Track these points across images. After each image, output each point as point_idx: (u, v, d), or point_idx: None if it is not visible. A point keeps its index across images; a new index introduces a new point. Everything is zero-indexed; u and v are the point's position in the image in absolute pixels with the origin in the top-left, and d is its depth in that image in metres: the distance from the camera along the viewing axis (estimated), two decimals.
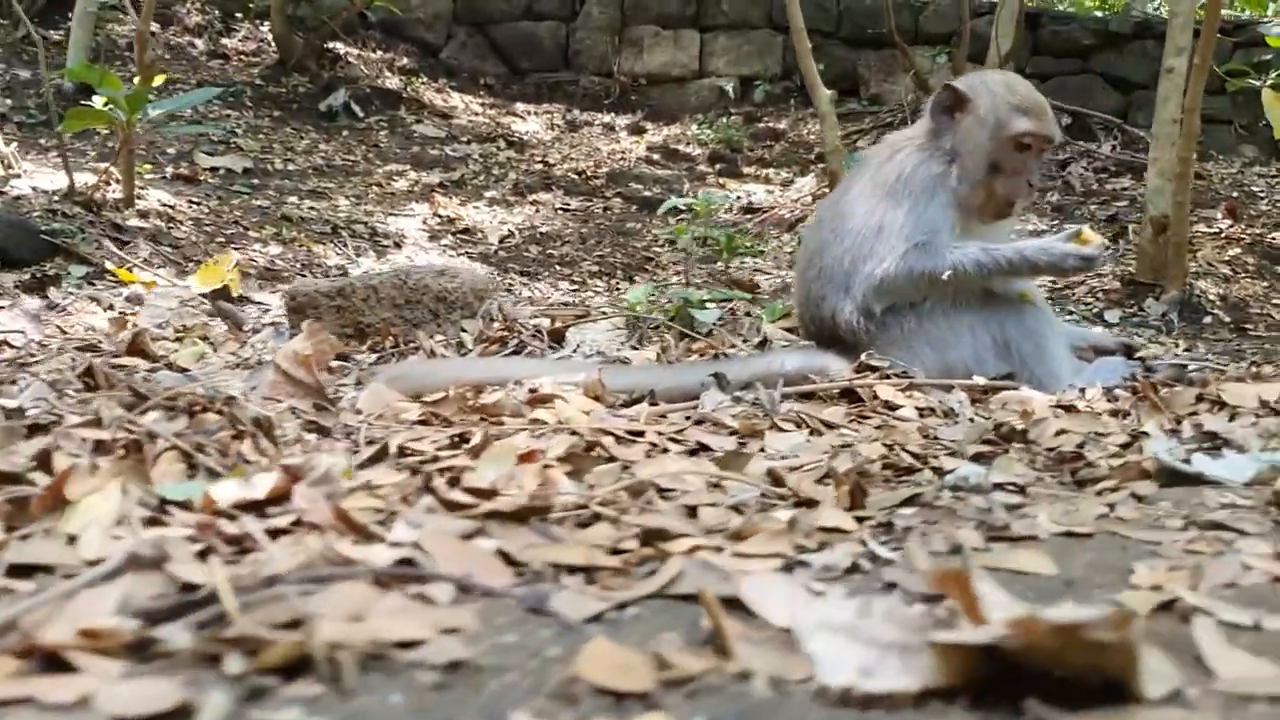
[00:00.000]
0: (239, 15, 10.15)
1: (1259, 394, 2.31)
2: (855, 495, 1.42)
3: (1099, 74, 10.21)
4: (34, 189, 5.38)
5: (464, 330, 3.00)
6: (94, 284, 4.70)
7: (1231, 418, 2.24)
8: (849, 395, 2.42)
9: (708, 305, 3.26)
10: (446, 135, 9.26)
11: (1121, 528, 1.36)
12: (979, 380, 2.62)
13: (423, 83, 10.23)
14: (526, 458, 1.48)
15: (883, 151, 3.17)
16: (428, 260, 6.44)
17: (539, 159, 9.11)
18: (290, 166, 7.95)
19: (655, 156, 9.55)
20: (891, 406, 2.28)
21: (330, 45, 9.86)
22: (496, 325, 2.98)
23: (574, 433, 1.72)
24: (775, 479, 1.51)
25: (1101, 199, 8.47)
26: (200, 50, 9.70)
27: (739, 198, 8.57)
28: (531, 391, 2.10)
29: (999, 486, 1.62)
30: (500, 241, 7.13)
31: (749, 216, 8.25)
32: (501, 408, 1.95)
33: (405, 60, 10.42)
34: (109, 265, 4.66)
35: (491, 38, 10.78)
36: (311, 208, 6.96)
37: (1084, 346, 3.17)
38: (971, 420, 2.19)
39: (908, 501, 1.46)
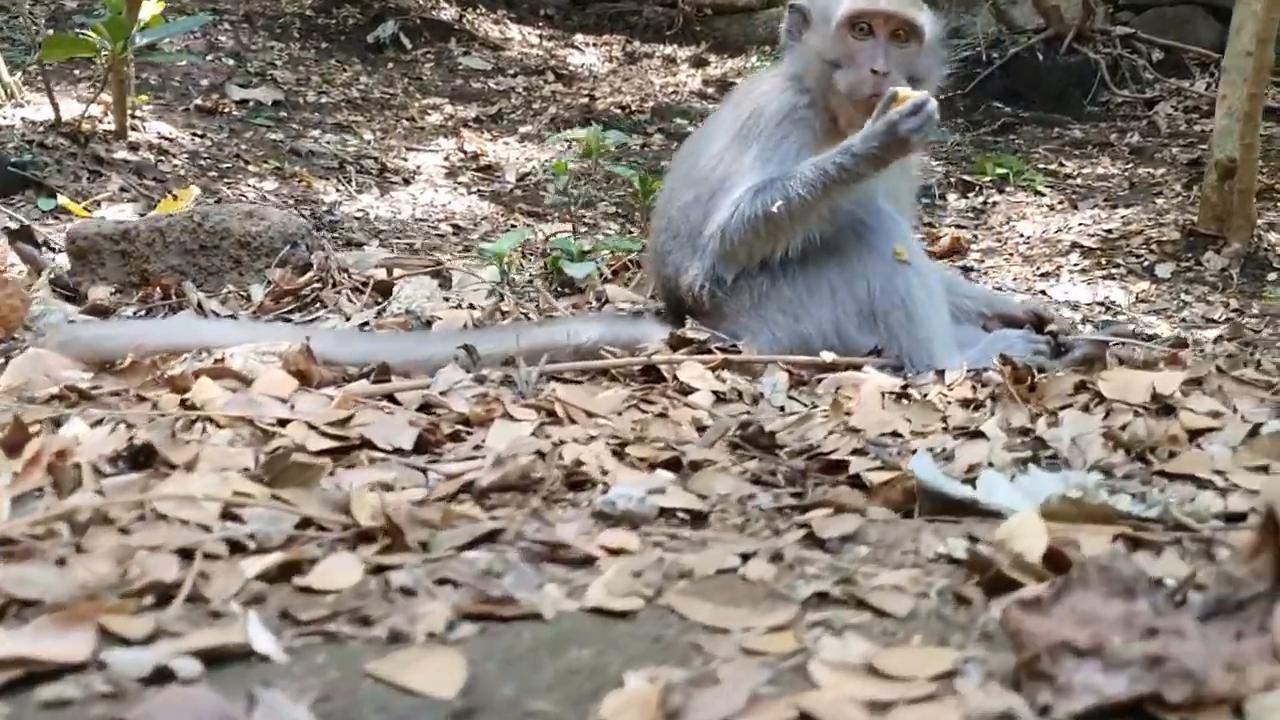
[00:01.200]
0: None
1: (1154, 384, 1.91)
2: (395, 533, 1.14)
3: (1200, 3, 9.34)
4: (24, 119, 5.32)
5: (270, 281, 2.74)
6: (59, 218, 4.61)
7: (1107, 414, 1.86)
8: (654, 374, 2.10)
9: (588, 258, 2.95)
10: (493, 68, 9.00)
11: (692, 605, 1.03)
12: (826, 356, 2.26)
13: (480, 14, 9.97)
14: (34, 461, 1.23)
15: (744, 86, 2.96)
16: (433, 197, 6.23)
17: (585, 93, 8.79)
18: (324, 99, 7.81)
19: (710, 90, 9.12)
20: (685, 390, 1.95)
21: None
22: (310, 276, 2.72)
23: (212, 421, 1.47)
24: (341, 506, 1.23)
25: (1188, 141, 7.76)
26: None
27: None
28: (217, 362, 1.84)
29: (666, 514, 1.31)
30: (518, 179, 6.87)
31: None
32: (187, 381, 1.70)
33: None
34: (61, 199, 4.56)
35: None
36: (328, 142, 6.81)
37: (989, 315, 2.76)
38: (782, 409, 1.87)
39: (482, 540, 1.17)
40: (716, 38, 10.29)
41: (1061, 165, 7.44)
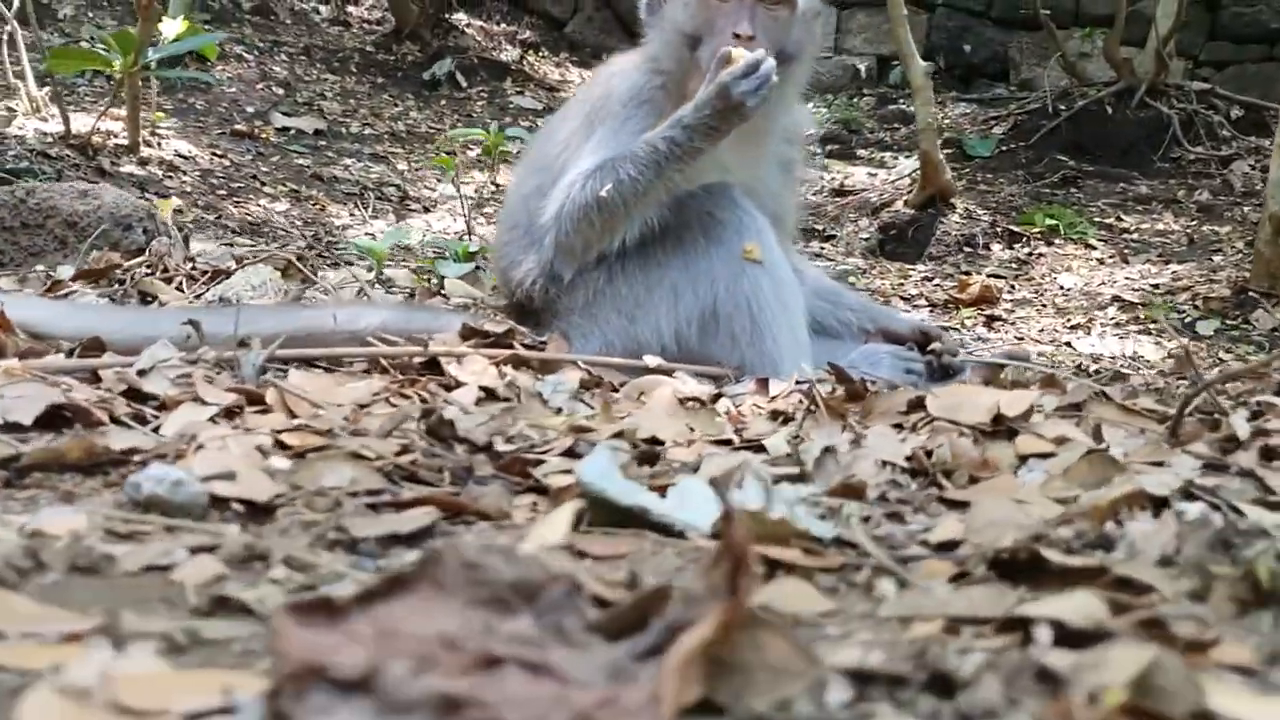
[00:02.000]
0: None
1: (998, 404, 1.63)
2: None
3: None
4: (36, 130, 5.38)
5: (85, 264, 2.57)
6: None
7: (930, 434, 1.59)
8: (437, 368, 1.88)
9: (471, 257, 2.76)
10: (544, 107, 8.94)
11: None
12: (650, 361, 2.01)
13: (542, 56, 10.00)
14: None
15: (600, 68, 2.77)
16: (448, 225, 6.14)
17: None
18: (367, 131, 7.84)
19: None
20: (451, 386, 1.73)
21: (450, 16, 9.74)
22: (139, 260, 2.57)
23: None
24: None
25: (1261, 200, 7.28)
26: (323, 16, 9.78)
27: (833, 179, 7.87)
28: None
29: (220, 503, 1.11)
30: None
31: (837, 199, 7.53)
32: None
33: (528, 34, 10.20)
34: None
35: (618, 11, 10.41)
36: (357, 169, 6.79)
37: (871, 330, 2.47)
38: (559, 410, 1.63)
39: None
40: None
41: (1119, 220, 7.04)
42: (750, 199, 2.38)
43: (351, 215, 5.99)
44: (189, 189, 5.52)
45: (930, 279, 6.18)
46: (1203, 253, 6.36)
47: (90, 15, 7.82)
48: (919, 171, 6.98)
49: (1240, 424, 1.55)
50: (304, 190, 6.09)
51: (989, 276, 6.02)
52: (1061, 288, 5.94)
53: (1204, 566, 0.87)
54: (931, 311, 5.63)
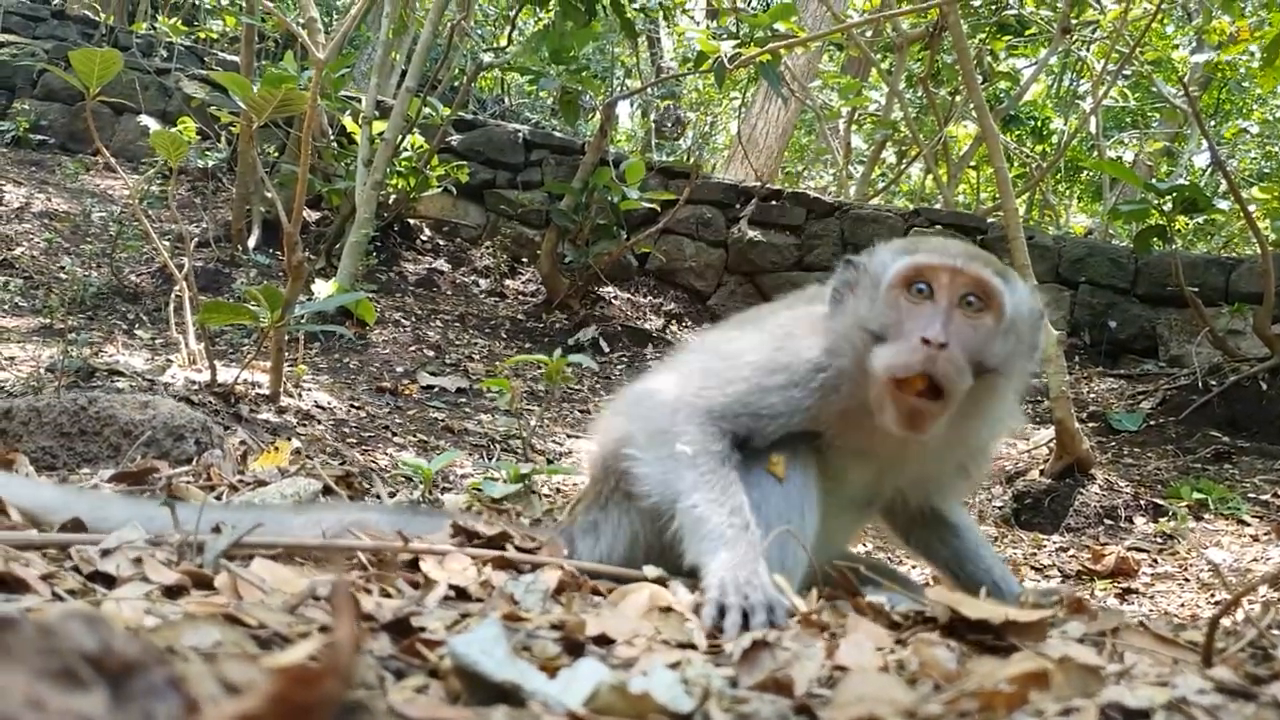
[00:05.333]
0: (525, 260, 10.88)
1: (1008, 617, 1.49)
2: None
3: None
4: (186, 379, 5.79)
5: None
6: None
7: (899, 644, 1.45)
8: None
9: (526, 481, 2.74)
10: None
11: None
12: (650, 571, 1.91)
13: (685, 326, 10.33)
14: None
15: (794, 308, 2.50)
16: (565, 477, 6.19)
17: None
18: (502, 393, 8.12)
19: None
20: (418, 584, 1.69)
21: (598, 289, 10.25)
22: (186, 469, 2.63)
23: None
24: None
25: None
26: (482, 289, 10.42)
27: None
28: None
29: None
30: None
31: None
32: None
33: (672, 305, 10.62)
34: None
35: (760, 286, 10.76)
36: (489, 423, 7.01)
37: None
38: (528, 610, 1.56)
39: None
40: None
41: (1278, 496, 6.59)
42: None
43: (476, 466, 6.13)
44: (319, 435, 5.78)
45: (1065, 549, 5.86)
46: None
47: (262, 283, 8.54)
48: (1054, 441, 6.75)
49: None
50: (432, 440, 6.30)
51: (1129, 549, 5.66)
52: (1210, 563, 5.52)
53: None
54: (1064, 582, 5.30)
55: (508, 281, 10.70)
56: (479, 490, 2.71)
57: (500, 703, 1.03)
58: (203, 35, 13.57)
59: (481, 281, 10.58)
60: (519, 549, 1.97)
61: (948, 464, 2.31)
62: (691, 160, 15.72)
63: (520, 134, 11.40)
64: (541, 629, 1.35)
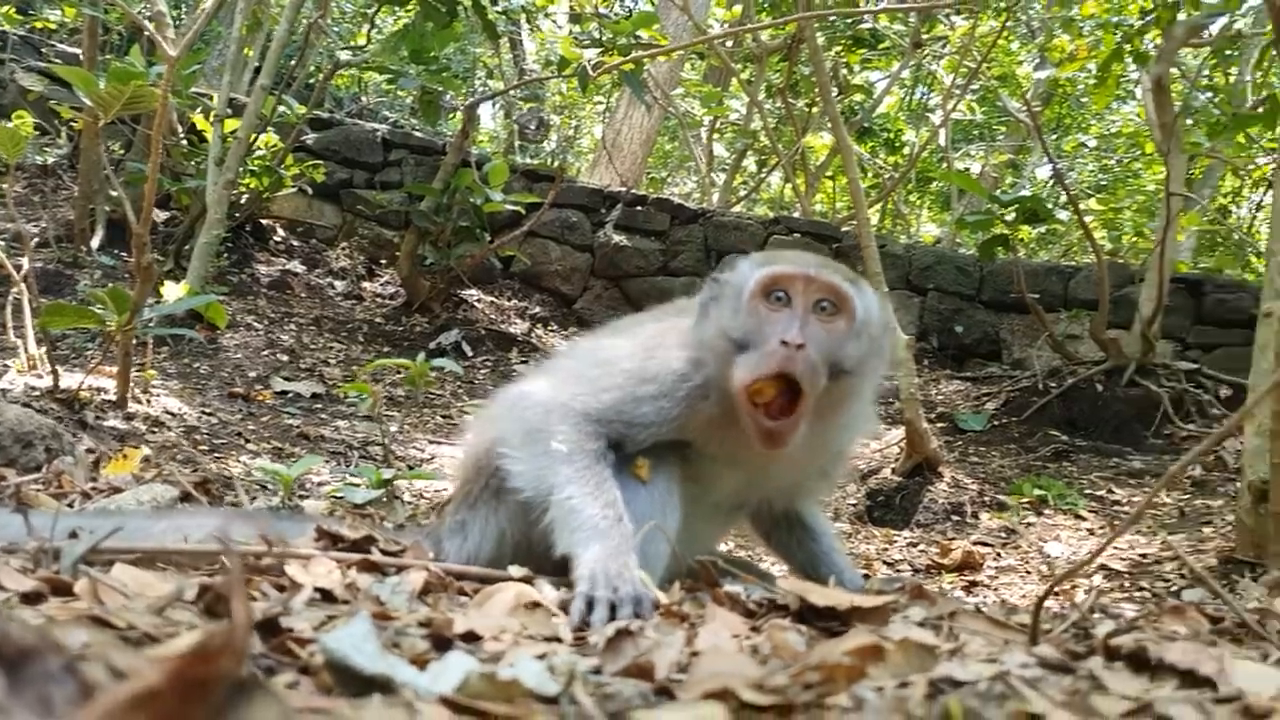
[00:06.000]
0: (383, 262, 10.71)
1: (853, 600, 1.56)
2: None
3: None
4: (27, 385, 5.53)
5: None
6: None
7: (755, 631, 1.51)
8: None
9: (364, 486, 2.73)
10: None
11: None
12: (515, 571, 1.94)
13: (551, 330, 10.34)
14: None
15: (660, 321, 2.55)
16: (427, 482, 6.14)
17: None
18: (364, 395, 7.99)
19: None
20: (283, 588, 1.68)
21: (461, 292, 10.16)
22: (35, 476, 2.56)
23: None
24: None
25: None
26: (338, 291, 10.23)
27: None
28: None
29: None
30: None
31: None
32: None
33: (538, 309, 10.60)
34: None
35: (626, 291, 10.85)
36: (346, 430, 6.89)
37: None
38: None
39: None
40: None
41: (1111, 492, 6.97)
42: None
43: (333, 472, 6.02)
44: (170, 444, 5.59)
45: (915, 544, 6.08)
46: (1193, 525, 6.25)
47: (106, 284, 8.22)
48: (905, 441, 7.00)
49: (1101, 631, 1.47)
50: (287, 447, 6.16)
51: (974, 544, 5.92)
52: (1048, 556, 5.81)
53: (908, 710, 0.80)
54: (914, 575, 5.51)
55: (365, 284, 10.53)
56: (340, 496, 2.66)
57: (376, 693, 1.04)
58: (39, 25, 12.95)
59: (338, 284, 10.39)
60: (384, 552, 1.96)
61: (810, 469, 2.40)
62: (556, 163, 15.76)
63: (379, 133, 11.23)
64: (410, 627, 1.36)
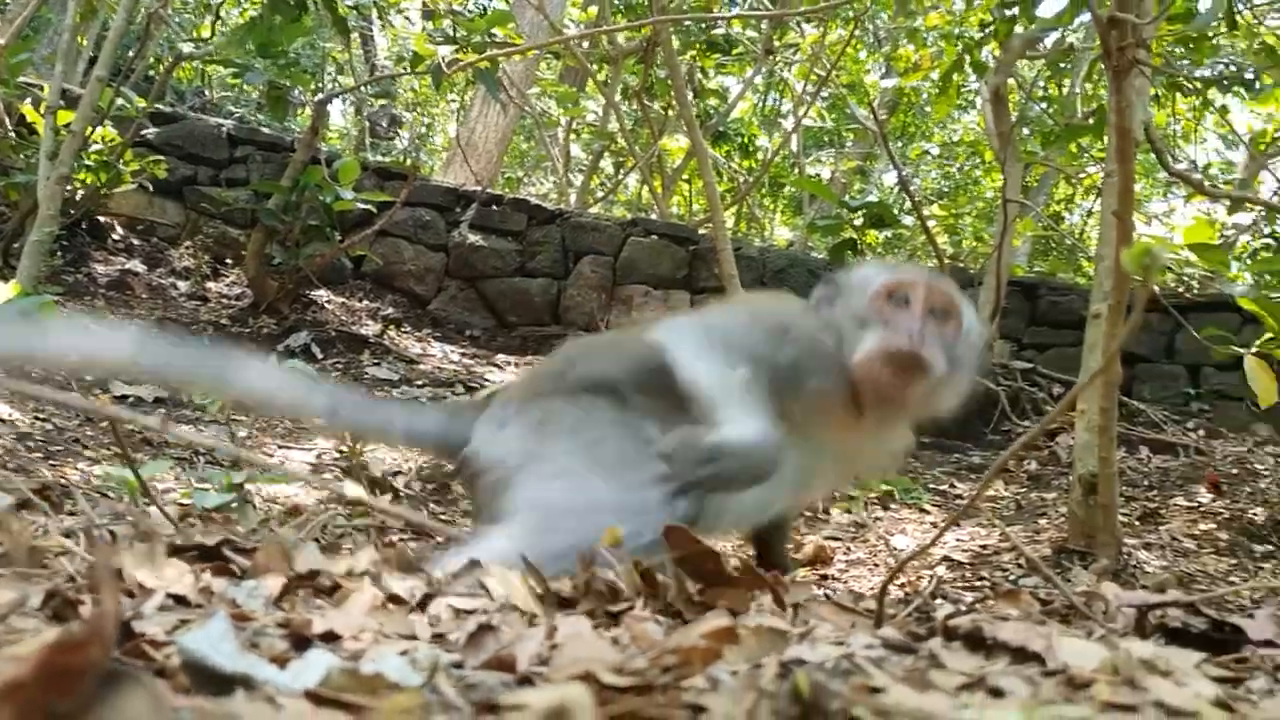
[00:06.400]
0: (229, 261, 10.39)
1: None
2: None
3: None
4: None
5: None
6: None
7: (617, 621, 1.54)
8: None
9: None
10: (400, 378, 9.04)
11: None
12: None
13: (404, 331, 10.19)
14: None
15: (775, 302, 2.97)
16: (280, 489, 5.99)
17: None
18: (209, 399, 7.74)
19: None
20: (130, 594, 1.63)
21: (310, 292, 9.93)
22: None
23: None
24: None
25: None
26: (181, 291, 9.88)
27: None
28: None
29: None
30: (386, 474, 6.66)
31: None
32: None
33: (391, 310, 10.44)
34: None
35: (482, 291, 10.77)
36: (191, 434, 6.66)
37: None
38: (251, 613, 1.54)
39: None
40: None
41: (953, 486, 7.27)
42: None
43: (178, 479, 5.82)
44: (2, 450, 5.32)
45: None
46: (1029, 516, 6.57)
47: None
48: None
49: (940, 613, 1.54)
50: (129, 453, 5.92)
51: (825, 539, 6.08)
52: (894, 549, 6.02)
53: (760, 687, 0.84)
54: (769, 570, 5.64)
55: (210, 284, 10.20)
56: (189, 501, 2.57)
57: (232, 691, 1.03)
58: None
59: (181, 284, 10.03)
60: (238, 552, 1.92)
61: (883, 454, 2.61)
62: (409, 161, 15.53)
63: (224, 129, 10.89)
64: (268, 627, 1.34)
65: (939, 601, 1.81)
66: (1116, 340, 5.28)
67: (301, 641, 1.29)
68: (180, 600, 1.59)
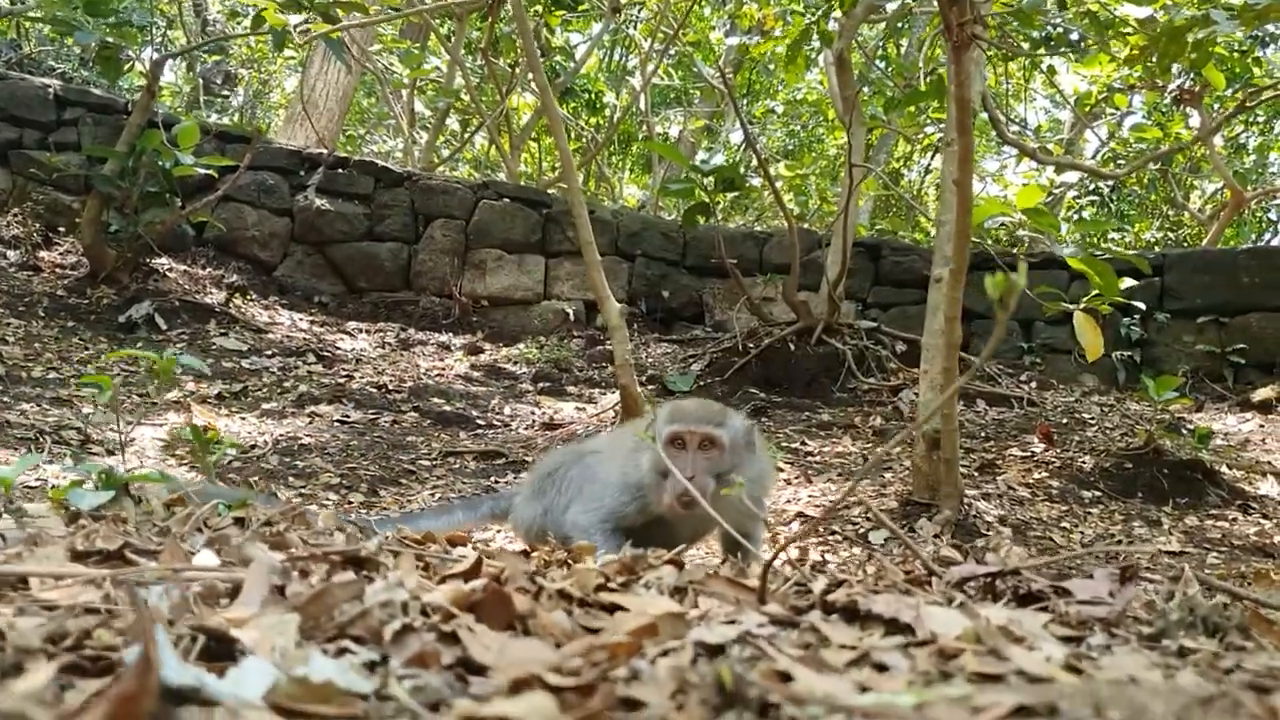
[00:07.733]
0: (62, 229, 9.92)
1: (605, 579, 1.70)
2: None
3: None
4: None
5: None
6: None
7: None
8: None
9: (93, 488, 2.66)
10: (249, 349, 8.84)
11: None
12: None
13: (250, 299, 9.92)
14: None
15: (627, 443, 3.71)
16: (136, 467, 5.83)
17: (345, 373, 8.66)
18: (52, 375, 7.46)
19: (476, 374, 9.13)
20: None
21: (150, 261, 9.57)
22: None
23: None
24: None
25: None
26: (11, 261, 9.40)
27: (544, 414, 8.11)
28: None
29: None
30: (243, 452, 6.55)
31: (547, 432, 7.73)
32: None
33: (235, 277, 10.14)
34: None
35: (330, 257, 10.57)
36: (35, 413, 6.41)
37: None
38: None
39: None
40: (493, 327, 10.46)
41: (804, 444, 7.56)
42: None
43: (22, 459, 5.61)
44: None
45: None
46: (876, 471, 6.89)
47: None
48: (620, 404, 7.29)
49: (817, 587, 1.69)
50: None
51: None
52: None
53: (687, 678, 0.94)
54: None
55: (43, 253, 9.73)
56: (63, 501, 2.51)
57: (187, 704, 1.07)
58: None
59: (10, 253, 9.54)
60: (139, 554, 1.91)
61: (727, 518, 3.05)
62: (247, 120, 15.01)
63: (51, 89, 10.34)
64: (185, 636, 1.37)
65: (811, 572, 1.96)
66: (956, 305, 5.60)
67: (224, 648, 1.33)
68: (91, 611, 1.60)
